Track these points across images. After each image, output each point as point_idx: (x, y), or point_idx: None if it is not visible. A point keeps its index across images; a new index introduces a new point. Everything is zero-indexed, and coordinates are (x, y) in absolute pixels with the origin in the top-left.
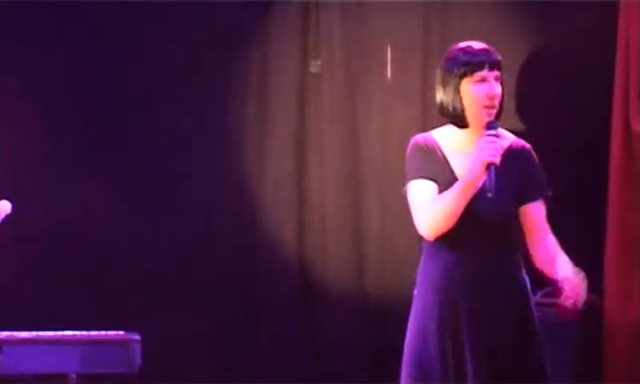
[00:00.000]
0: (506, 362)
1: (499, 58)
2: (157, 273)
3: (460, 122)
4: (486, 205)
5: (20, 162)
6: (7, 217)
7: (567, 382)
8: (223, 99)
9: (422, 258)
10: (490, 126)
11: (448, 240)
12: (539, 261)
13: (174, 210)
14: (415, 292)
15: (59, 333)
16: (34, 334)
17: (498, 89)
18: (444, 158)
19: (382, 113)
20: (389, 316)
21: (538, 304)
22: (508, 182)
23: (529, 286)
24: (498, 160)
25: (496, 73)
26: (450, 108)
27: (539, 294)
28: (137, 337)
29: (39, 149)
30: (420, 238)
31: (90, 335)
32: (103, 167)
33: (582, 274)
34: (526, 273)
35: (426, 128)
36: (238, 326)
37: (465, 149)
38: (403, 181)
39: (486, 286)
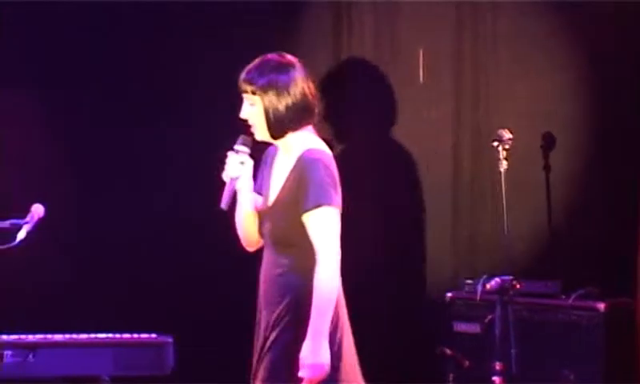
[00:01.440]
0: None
1: (247, 84)
2: (190, 275)
3: None
4: (264, 216)
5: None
6: (40, 220)
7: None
8: None
9: None
10: (237, 140)
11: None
12: None
13: (203, 217)
14: None
15: (92, 335)
16: (67, 336)
17: (243, 111)
18: (269, 170)
19: (413, 116)
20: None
21: (572, 307)
22: (288, 192)
23: (306, 291)
24: (232, 173)
25: (244, 95)
26: None
27: (572, 297)
28: (170, 339)
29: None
30: None
31: (122, 337)
32: (124, 173)
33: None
34: None
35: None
36: None
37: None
38: (433, 185)
39: (268, 291)
